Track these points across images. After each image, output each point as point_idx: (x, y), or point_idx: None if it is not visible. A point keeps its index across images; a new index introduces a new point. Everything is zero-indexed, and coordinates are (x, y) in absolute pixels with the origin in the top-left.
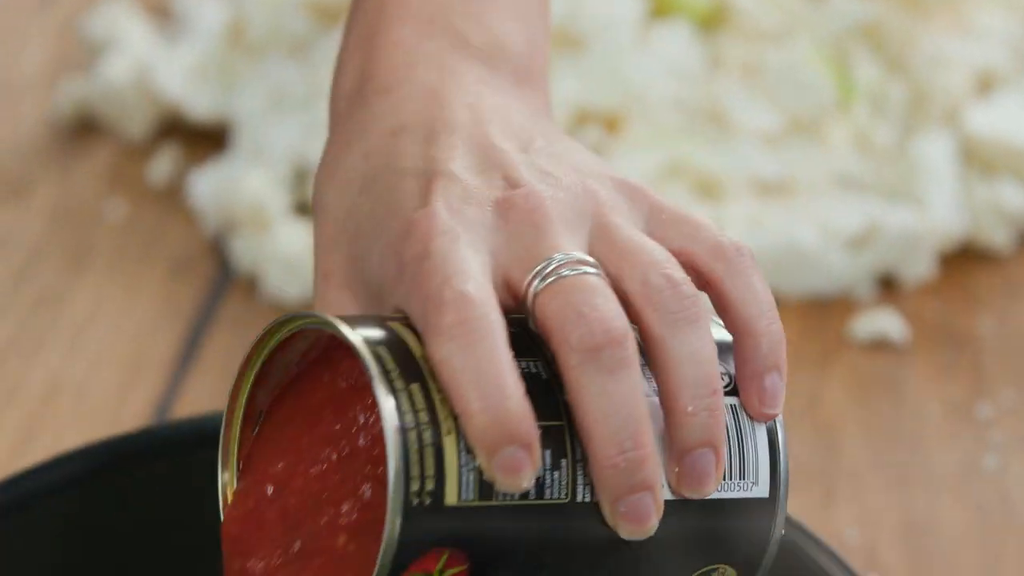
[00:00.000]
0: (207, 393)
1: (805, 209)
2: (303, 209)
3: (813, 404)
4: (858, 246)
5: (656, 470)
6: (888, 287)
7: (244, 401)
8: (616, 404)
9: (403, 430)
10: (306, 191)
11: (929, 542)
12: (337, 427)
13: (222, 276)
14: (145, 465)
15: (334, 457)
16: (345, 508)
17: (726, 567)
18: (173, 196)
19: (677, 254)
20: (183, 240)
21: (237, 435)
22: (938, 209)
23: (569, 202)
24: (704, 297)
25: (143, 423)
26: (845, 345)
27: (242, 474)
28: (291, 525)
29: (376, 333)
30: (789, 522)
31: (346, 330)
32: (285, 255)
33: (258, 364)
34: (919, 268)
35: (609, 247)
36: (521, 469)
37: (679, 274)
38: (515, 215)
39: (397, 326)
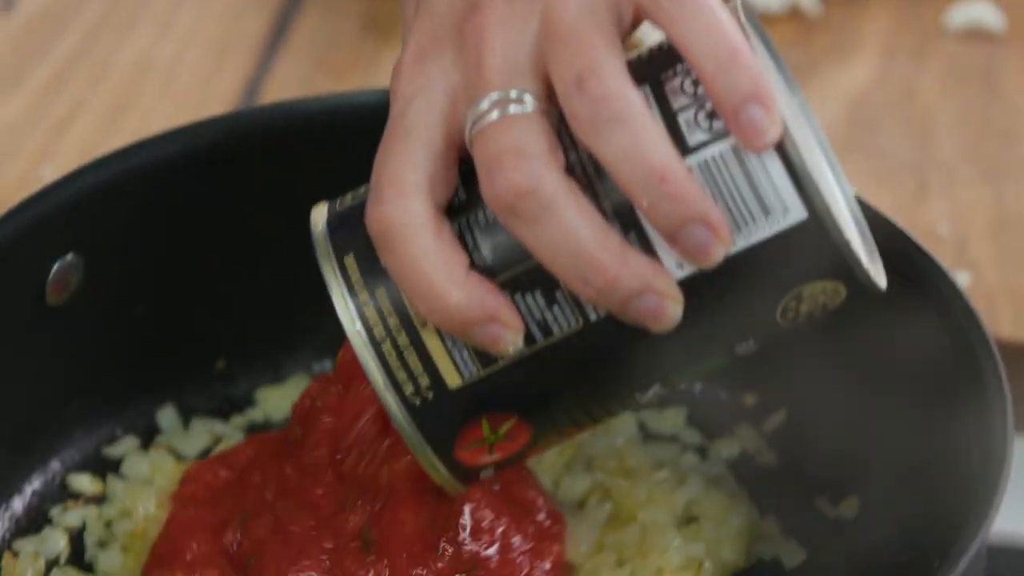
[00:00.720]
0: (296, 76)
1: None
2: None
3: (906, 96)
4: None
5: (640, 274)
6: None
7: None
8: (555, 247)
9: (375, 344)
10: None
11: (1020, 237)
12: None
13: None
14: (232, 149)
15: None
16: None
17: (814, 284)
18: None
19: (637, 8)
20: None
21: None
22: None
23: (516, 10)
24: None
25: (231, 106)
26: (940, 34)
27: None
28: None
29: (351, 229)
30: (879, 218)
31: (319, 240)
32: None
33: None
34: None
35: (547, 44)
36: (501, 338)
37: (593, 76)
38: (466, 50)
39: None
